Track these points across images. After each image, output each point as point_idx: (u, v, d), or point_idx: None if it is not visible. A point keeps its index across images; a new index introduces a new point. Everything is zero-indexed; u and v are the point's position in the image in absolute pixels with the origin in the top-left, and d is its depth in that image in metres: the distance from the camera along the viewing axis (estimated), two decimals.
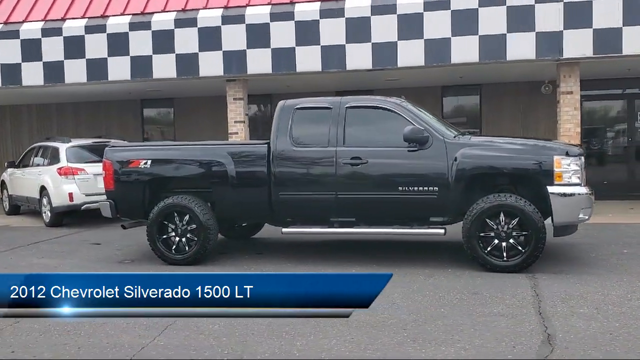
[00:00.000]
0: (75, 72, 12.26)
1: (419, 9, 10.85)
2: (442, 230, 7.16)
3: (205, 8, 11.80)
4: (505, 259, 6.81)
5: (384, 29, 10.96)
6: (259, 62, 11.50)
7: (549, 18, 10.49)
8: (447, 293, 5.99)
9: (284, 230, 7.58)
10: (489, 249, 6.85)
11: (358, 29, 11.04)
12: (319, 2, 11.29)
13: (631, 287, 6.04)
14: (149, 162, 7.91)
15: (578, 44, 10.47)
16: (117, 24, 12.05)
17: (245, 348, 4.64)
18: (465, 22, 10.72)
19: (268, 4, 11.56)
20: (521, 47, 10.62)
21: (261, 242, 9.29)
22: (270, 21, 11.41)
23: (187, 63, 11.79)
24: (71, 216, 12.04)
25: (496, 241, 6.85)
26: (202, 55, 11.71)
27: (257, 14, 11.48)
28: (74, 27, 12.30)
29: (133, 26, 11.96)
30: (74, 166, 11.59)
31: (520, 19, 10.57)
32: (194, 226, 7.66)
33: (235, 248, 8.69)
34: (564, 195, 6.73)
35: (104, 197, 8.12)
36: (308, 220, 7.59)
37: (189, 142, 8.57)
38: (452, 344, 4.56)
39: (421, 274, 6.84)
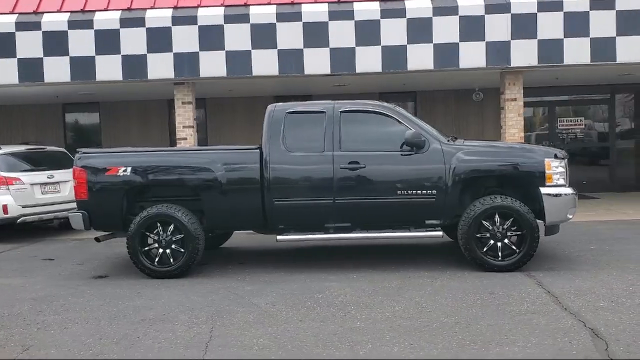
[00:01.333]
0: (5, 72, 11.20)
1: (376, 16, 11.00)
2: (440, 233, 7.28)
3: (152, 8, 11.23)
4: (500, 258, 7.05)
5: (341, 34, 11.00)
6: (213, 65, 11.12)
7: (497, 29, 11.03)
8: (464, 295, 6.09)
9: (279, 237, 7.36)
10: (485, 249, 7.06)
11: (316, 34, 11.00)
12: (275, 5, 11.12)
13: (626, 280, 6.44)
14: (129, 169, 7.39)
15: (524, 54, 11.09)
16: (53, 21, 11.16)
17: None
18: (420, 31, 11.00)
19: (221, 5, 11.21)
20: (473, 56, 11.08)
21: (233, 251, 8.97)
22: (225, 23, 11.08)
23: (134, 65, 11.15)
24: None
25: (492, 242, 7.07)
26: (151, 57, 11.13)
27: (210, 15, 11.10)
28: (0, 23, 11.23)
29: (73, 24, 11.12)
30: (8, 175, 10.56)
31: (472, 29, 11.02)
32: (180, 236, 7.25)
33: (210, 258, 8.30)
34: (555, 195, 7.09)
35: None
36: (302, 227, 7.42)
37: (173, 148, 8.10)
38: (512, 343, 4.64)
39: (424, 276, 6.91)
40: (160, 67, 11.14)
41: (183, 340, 4.95)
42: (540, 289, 6.23)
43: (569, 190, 7.19)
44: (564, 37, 11.05)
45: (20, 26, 11.18)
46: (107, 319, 5.62)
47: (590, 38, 11.03)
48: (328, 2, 11.08)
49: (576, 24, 10.99)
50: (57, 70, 11.15)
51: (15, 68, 11.18)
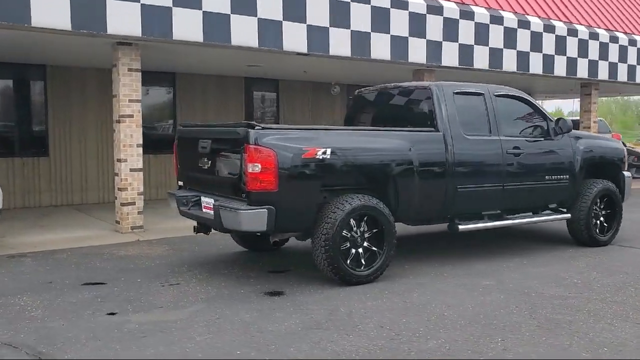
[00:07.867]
0: None
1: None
2: (569, 215, 7.88)
3: None
4: (599, 234, 8.10)
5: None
6: (188, 25, 8.99)
7: (434, 31, 11.95)
8: (624, 264, 7.01)
9: (463, 227, 6.88)
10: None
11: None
12: None
13: None
14: (329, 150, 5.80)
15: (451, 57, 12.28)
16: None
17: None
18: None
19: None
20: (416, 53, 11.75)
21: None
22: None
23: (89, 13, 8.14)
24: None
25: (594, 220, 8.08)
26: (111, 3, 8.31)
27: None
28: None
29: None
30: None
31: (417, 28, 11.68)
32: (375, 232, 6.10)
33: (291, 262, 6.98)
34: (629, 178, 8.51)
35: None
36: (468, 215, 7.08)
37: (364, 128, 6.47)
38: None
39: (558, 255, 7.54)
40: (123, 19, 8.39)
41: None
42: None
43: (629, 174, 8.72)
44: (475, 44, 12.65)
45: None
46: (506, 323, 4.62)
47: (489, 47, 12.92)
48: None
49: (482, 36, 12.72)
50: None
51: None
